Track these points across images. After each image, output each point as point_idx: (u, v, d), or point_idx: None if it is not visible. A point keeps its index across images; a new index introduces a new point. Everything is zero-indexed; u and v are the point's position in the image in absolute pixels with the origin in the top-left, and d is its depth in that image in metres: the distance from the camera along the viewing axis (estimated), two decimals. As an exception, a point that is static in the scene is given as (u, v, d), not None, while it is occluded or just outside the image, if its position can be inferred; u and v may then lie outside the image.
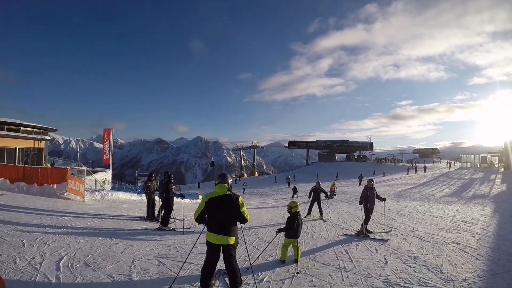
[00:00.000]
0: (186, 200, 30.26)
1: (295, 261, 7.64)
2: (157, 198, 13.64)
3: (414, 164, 64.55)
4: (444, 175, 43.32)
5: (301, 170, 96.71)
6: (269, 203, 28.12)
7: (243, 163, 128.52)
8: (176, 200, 12.97)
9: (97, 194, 20.01)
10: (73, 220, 11.47)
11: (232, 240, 5.17)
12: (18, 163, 31.49)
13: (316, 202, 16.33)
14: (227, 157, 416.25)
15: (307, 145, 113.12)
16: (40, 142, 36.57)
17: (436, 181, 37.73)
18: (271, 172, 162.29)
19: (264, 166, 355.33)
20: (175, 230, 11.29)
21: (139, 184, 64.63)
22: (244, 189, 48.40)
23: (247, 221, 5.38)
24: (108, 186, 36.11)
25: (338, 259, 8.12)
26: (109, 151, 35.37)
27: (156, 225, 12.08)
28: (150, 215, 13.35)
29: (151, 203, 13.47)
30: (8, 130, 33.68)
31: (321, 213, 15.96)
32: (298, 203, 8.32)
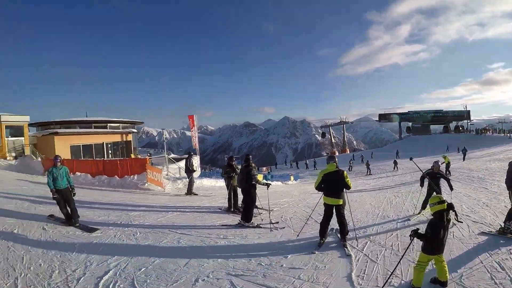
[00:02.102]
0: (277, 183, 28.93)
1: (442, 285, 5.14)
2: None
3: None
4: None
5: (394, 146, 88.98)
6: (368, 184, 24.42)
7: (332, 140, 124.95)
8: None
9: (180, 182, 18.99)
10: (143, 216, 10.38)
11: (341, 202, 7.31)
12: (107, 157, 33.15)
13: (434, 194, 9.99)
14: (316, 136, 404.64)
15: (398, 117, 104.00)
16: (127, 135, 38.02)
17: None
18: (362, 148, 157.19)
19: (354, 142, 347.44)
20: (261, 227, 9.14)
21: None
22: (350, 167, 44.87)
23: (350, 188, 7.40)
24: (197, 172, 35.80)
25: (495, 282, 5.24)
26: (195, 137, 35.14)
27: (238, 218, 9.99)
28: (232, 206, 11.60)
29: (232, 192, 11.63)
30: (96, 127, 36.50)
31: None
32: (443, 199, 5.16)
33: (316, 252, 6.85)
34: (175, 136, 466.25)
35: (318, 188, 7.55)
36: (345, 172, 7.40)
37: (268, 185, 10.27)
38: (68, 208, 9.04)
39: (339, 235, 7.67)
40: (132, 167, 18.76)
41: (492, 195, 13.14)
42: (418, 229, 5.17)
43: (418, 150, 59.10)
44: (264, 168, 64.34)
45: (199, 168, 38.95)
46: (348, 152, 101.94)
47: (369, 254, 6.64)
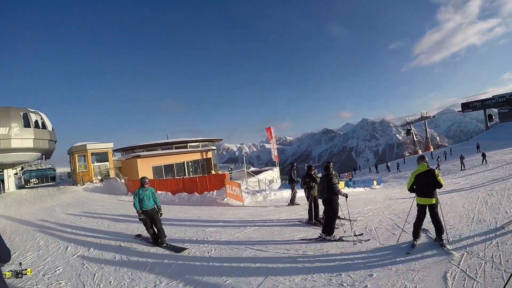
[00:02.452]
0: (360, 189, 27.95)
1: None
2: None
3: None
4: None
5: (481, 136, 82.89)
6: (457, 183, 22.49)
7: (414, 138, 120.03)
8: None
9: (259, 195, 18.56)
10: (220, 231, 10.14)
11: (434, 201, 7.29)
12: (188, 174, 34.36)
13: None
14: (397, 135, 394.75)
15: (483, 104, 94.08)
16: (207, 153, 39.40)
17: None
18: (446, 144, 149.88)
19: (438, 138, 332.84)
20: (343, 240, 8.34)
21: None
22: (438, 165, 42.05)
23: (442, 186, 7.32)
24: (277, 184, 35.65)
25: None
26: (274, 148, 35.11)
27: (318, 231, 9.18)
28: (313, 218, 10.90)
29: (312, 203, 10.96)
30: (176, 148, 38.83)
31: None
32: None
33: (410, 253, 6.94)
34: (254, 149, 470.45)
35: (411, 189, 7.68)
36: (436, 170, 7.50)
37: (346, 196, 8.96)
38: (154, 228, 9.09)
39: (430, 235, 7.91)
40: (211, 183, 18.94)
41: None
42: None
43: (509, 139, 53.06)
44: (346, 175, 63.06)
45: (280, 180, 38.81)
46: (432, 150, 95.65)
47: (466, 270, 5.73)
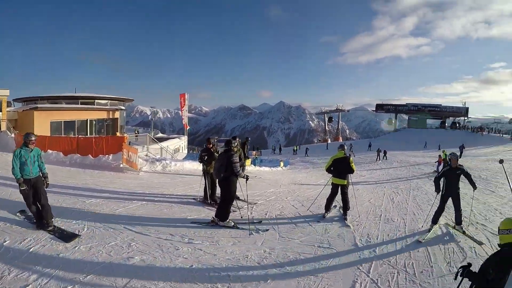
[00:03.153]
0: (265, 168, 27.43)
1: None
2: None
3: None
4: None
5: (388, 137, 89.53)
6: (363, 176, 22.61)
7: (326, 128, 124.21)
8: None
9: (158, 164, 17.22)
10: (101, 205, 8.82)
11: (345, 182, 9.00)
12: (91, 134, 31.83)
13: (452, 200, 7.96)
14: (310, 122, 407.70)
15: (395, 108, 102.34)
16: (114, 112, 36.33)
17: None
18: (354, 138, 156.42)
19: (347, 131, 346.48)
20: (238, 228, 7.44)
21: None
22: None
23: (353, 171, 8.98)
24: (183, 153, 34.39)
25: None
26: (185, 116, 33.90)
27: (212, 213, 8.06)
28: (208, 198, 9.80)
29: (209, 181, 9.74)
30: (82, 103, 35.05)
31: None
32: None
33: (321, 222, 8.53)
34: (168, 115, 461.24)
35: (328, 170, 9.27)
36: (351, 158, 9.14)
37: (247, 177, 8.04)
38: (38, 204, 6.72)
39: (341, 211, 9.32)
40: (108, 145, 17.12)
41: (502, 200, 12.12)
42: (470, 264, 3.44)
43: (413, 143, 59.91)
44: (254, 152, 63.11)
45: (186, 149, 37.59)
46: (341, 141, 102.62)
47: (377, 281, 5.16)
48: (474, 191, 8.27)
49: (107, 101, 37.81)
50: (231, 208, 7.95)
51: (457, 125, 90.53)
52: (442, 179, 8.11)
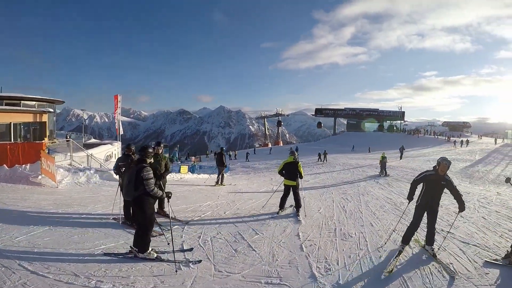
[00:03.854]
0: (204, 176, 25.88)
1: None
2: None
3: (460, 137, 63.22)
4: (496, 151, 40.70)
5: (328, 140, 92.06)
6: (306, 181, 19.69)
7: (266, 132, 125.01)
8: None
9: (82, 175, 15.18)
10: (1, 231, 7.06)
11: (295, 183, 10.04)
12: (15, 140, 28.10)
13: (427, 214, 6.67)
14: (250, 126, 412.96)
15: (334, 113, 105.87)
16: (42, 115, 32.80)
17: (494, 159, 34.24)
18: (294, 142, 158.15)
19: (287, 135, 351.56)
20: (163, 260, 5.87)
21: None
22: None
23: (302, 175, 10.23)
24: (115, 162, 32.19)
25: None
26: (118, 120, 31.80)
27: (132, 238, 6.36)
28: (130, 217, 7.99)
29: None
30: (7, 104, 30.98)
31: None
32: None
33: (274, 218, 9.57)
34: (106, 120, 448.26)
35: (280, 173, 10.48)
36: (299, 163, 10.24)
37: (168, 196, 6.27)
38: None
39: (294, 209, 10.29)
40: (25, 153, 14.97)
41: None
42: None
43: (351, 146, 64.21)
44: (193, 158, 61.56)
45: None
46: (281, 145, 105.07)
47: None
48: (459, 212, 6.69)
49: (35, 102, 34.26)
50: (154, 232, 6.41)
51: (395, 128, 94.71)
52: (421, 185, 6.66)
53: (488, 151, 41.35)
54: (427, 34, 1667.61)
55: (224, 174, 19.64)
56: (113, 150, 32.53)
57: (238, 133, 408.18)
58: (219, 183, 18.72)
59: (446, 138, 66.16)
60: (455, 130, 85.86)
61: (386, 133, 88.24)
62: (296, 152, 10.66)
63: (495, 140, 57.97)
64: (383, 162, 23.86)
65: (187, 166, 31.88)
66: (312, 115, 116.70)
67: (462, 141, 54.67)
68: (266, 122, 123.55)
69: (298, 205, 10.02)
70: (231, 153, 66.81)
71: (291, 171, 10.05)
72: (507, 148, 43.82)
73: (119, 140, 33.93)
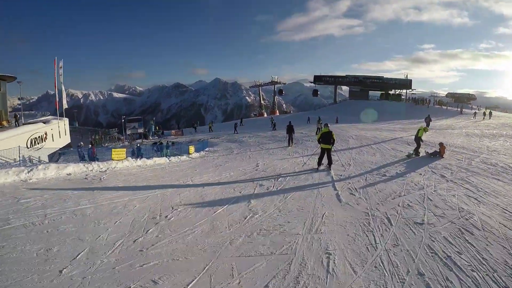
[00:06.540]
0: (161, 161, 18.54)
1: None
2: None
3: (479, 108, 60.55)
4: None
5: (328, 109, 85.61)
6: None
7: (262, 102, 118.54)
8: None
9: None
10: None
11: (330, 147, 13.19)
12: None
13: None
14: (246, 97, 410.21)
15: (335, 80, 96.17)
16: None
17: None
18: (291, 112, 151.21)
19: (284, 105, 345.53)
20: None
21: (128, 132, 52.95)
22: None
23: (335, 141, 13.42)
24: (56, 143, 24.17)
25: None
26: (59, 88, 24.30)
27: None
28: None
29: None
30: None
31: None
32: None
33: (318, 171, 13.09)
34: (101, 98, 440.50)
35: (319, 141, 13.63)
36: (333, 132, 13.46)
37: None
38: None
39: (328, 166, 13.46)
40: None
41: None
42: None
43: (356, 115, 56.05)
44: (173, 132, 54.23)
45: (67, 135, 27.95)
46: (278, 114, 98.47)
47: None
48: None
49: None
50: None
51: (402, 96, 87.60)
52: None
53: (506, 125, 33.85)
54: (424, 8, 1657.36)
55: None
56: (48, 130, 23.99)
57: (235, 104, 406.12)
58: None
59: (459, 109, 58.96)
60: (460, 102, 77.73)
61: (392, 102, 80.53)
62: (320, 120, 17.33)
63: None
64: (419, 137, 15.62)
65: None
66: (311, 82, 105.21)
67: (484, 112, 48.05)
68: (261, 91, 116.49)
69: (330, 162, 13.53)
70: (210, 124, 60.37)
71: (327, 138, 13.27)
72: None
73: (63, 117, 26.36)
